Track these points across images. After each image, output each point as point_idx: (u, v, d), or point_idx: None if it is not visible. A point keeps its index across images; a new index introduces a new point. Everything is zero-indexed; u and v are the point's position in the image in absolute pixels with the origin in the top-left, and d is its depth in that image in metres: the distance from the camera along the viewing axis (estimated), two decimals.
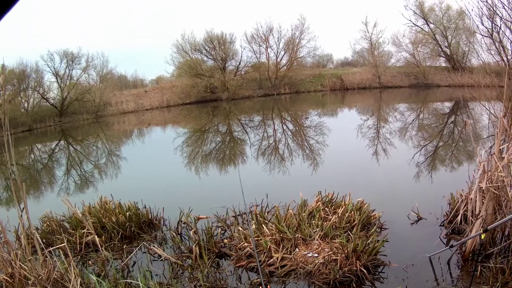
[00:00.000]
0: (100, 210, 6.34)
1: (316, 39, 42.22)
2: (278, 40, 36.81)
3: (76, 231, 5.68)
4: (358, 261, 4.26)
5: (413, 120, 18.51)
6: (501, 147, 4.66)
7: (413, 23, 34.21)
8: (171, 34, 68.21)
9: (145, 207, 6.59)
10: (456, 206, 5.44)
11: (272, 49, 37.13)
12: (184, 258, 5.02)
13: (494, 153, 4.52)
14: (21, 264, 4.15)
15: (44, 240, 5.15)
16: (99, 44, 73.78)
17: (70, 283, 4.06)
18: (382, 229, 5.57)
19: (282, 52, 37.20)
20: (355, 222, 5.36)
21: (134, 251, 5.33)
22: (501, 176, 4.35)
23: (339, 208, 5.74)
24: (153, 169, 12.23)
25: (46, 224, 6.25)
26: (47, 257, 4.32)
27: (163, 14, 69.89)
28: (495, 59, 8.39)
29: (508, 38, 7.73)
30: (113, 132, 24.45)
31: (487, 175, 4.48)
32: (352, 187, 6.47)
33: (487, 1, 7.47)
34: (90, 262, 5.12)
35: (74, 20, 60.95)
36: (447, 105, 23.99)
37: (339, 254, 4.40)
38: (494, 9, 7.46)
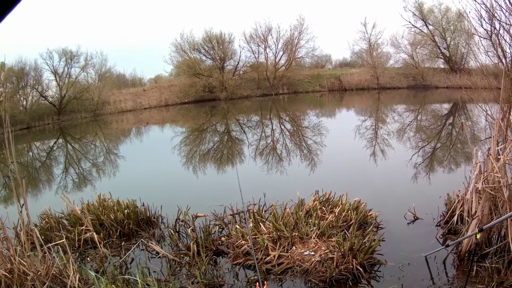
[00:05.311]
0: (99, 208, 6.37)
1: (314, 39, 42.22)
2: (276, 40, 36.85)
3: (74, 228, 5.70)
4: (354, 260, 4.29)
5: (411, 121, 18.56)
6: (497, 148, 4.70)
7: (412, 25, 34.29)
8: (170, 33, 68.05)
9: (143, 205, 6.62)
10: (453, 207, 5.49)
11: (271, 49, 37.21)
12: (182, 255, 5.05)
13: (490, 154, 4.57)
14: (20, 260, 4.17)
15: (42, 237, 5.16)
16: (98, 43, 73.76)
17: (69, 279, 4.09)
18: (379, 229, 5.62)
19: (281, 52, 37.25)
20: (351, 221, 5.41)
21: (132, 248, 5.37)
22: (497, 177, 4.39)
23: (336, 208, 5.77)
24: (151, 167, 12.24)
25: (45, 221, 6.28)
26: (46, 253, 4.34)
27: (162, 13, 69.84)
28: (492, 61, 8.42)
29: (506, 41, 7.76)
30: (111, 131, 24.41)
31: (484, 175, 4.53)
32: (349, 187, 6.49)
33: (485, 4, 7.50)
34: (88, 258, 5.14)
35: (73, 19, 60.99)
36: (445, 106, 24.07)
37: (335, 253, 4.43)
38: (493, 12, 7.49)
